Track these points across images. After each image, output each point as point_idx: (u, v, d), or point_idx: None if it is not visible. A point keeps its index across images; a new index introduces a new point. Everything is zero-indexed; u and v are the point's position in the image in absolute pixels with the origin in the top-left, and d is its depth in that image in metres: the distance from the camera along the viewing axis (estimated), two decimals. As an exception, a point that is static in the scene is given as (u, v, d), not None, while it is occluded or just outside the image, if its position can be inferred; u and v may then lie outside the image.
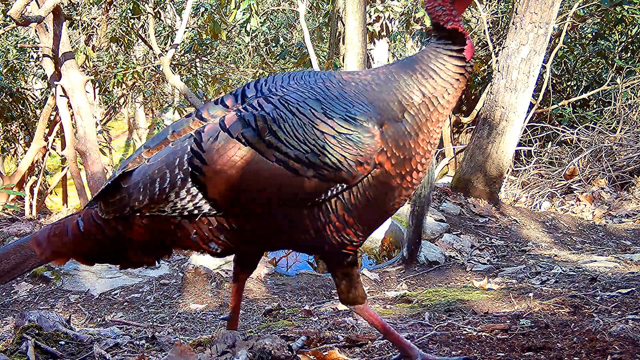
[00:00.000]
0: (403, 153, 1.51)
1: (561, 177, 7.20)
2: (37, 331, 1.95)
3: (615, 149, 7.26)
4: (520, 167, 7.63)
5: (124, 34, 9.53)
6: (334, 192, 1.48)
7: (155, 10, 9.31)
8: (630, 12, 8.02)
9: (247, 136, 1.48)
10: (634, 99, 7.83)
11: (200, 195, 1.52)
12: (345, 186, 1.48)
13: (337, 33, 9.06)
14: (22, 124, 10.05)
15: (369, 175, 1.49)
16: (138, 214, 1.58)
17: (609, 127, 7.74)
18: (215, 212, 1.54)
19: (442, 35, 1.57)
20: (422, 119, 1.54)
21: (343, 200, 1.50)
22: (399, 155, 1.51)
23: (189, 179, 1.52)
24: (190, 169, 1.52)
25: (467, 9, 9.43)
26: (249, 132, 1.48)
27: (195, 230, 1.57)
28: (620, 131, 7.50)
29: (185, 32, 9.57)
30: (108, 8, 9.56)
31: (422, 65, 1.55)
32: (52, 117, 8.94)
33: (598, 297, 2.38)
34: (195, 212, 1.54)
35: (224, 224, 1.55)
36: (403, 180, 1.54)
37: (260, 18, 8.77)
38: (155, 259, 1.71)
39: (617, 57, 8.78)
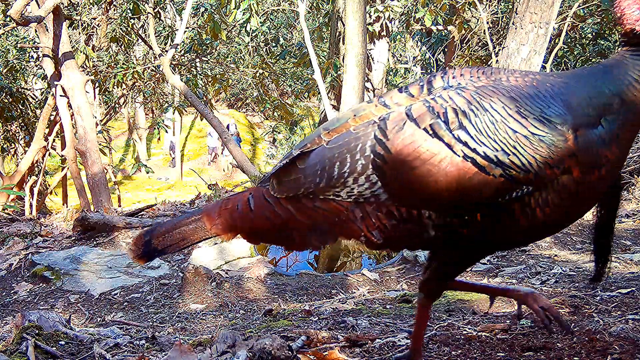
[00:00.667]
0: (594, 161, 1.45)
1: (561, 177, 7.19)
2: (37, 331, 1.95)
3: (615, 149, 7.25)
4: (520, 167, 7.62)
5: (124, 34, 9.53)
6: (519, 194, 1.45)
7: (155, 10, 9.32)
8: (630, 12, 8.00)
9: (436, 128, 1.45)
10: (634, 99, 7.83)
11: (379, 184, 1.50)
12: (530, 189, 1.44)
13: (337, 33, 9.06)
14: (22, 124, 10.06)
15: (556, 180, 1.44)
16: (311, 196, 1.56)
17: (609, 127, 7.73)
18: (391, 201, 1.51)
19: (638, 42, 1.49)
20: (619, 127, 1.47)
21: (524, 203, 1.45)
22: (589, 163, 1.45)
23: (370, 166, 1.50)
24: (372, 156, 1.50)
25: (467, 9, 9.44)
26: (438, 124, 1.45)
27: (365, 217, 1.54)
28: (620, 131, 7.50)
29: (185, 32, 9.58)
30: (108, 8, 9.57)
31: (621, 71, 1.49)
32: (52, 117, 8.94)
33: (598, 297, 2.38)
34: (372, 199, 1.52)
35: (395, 213, 1.52)
36: (589, 189, 1.48)
37: (260, 18, 8.77)
38: (321, 244, 1.65)
39: (617, 57, 8.77)
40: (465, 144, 1.43)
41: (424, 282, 1.63)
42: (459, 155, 1.43)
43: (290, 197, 1.58)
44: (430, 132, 1.45)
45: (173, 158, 21.35)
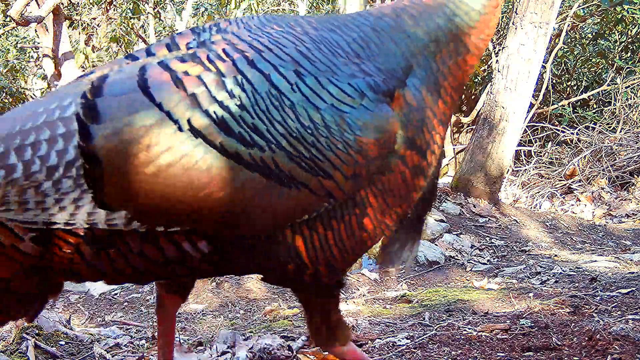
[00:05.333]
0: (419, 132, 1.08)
1: (561, 177, 7.20)
2: (37, 331, 1.95)
3: (615, 149, 7.26)
4: (520, 167, 7.63)
5: (124, 34, 9.53)
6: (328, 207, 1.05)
7: (155, 10, 9.32)
8: (630, 12, 8.01)
9: (190, 117, 0.98)
10: (634, 99, 7.84)
11: (90, 200, 0.99)
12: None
13: (337, 33, 9.07)
14: (22, 124, 10.08)
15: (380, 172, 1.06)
16: None
17: (609, 127, 7.74)
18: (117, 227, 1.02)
19: None
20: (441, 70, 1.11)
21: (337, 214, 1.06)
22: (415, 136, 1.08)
23: (77, 164, 0.98)
24: (78, 144, 0.98)
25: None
26: (195, 111, 0.98)
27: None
28: (620, 131, 7.51)
29: (185, 32, 9.58)
30: (108, 8, 9.57)
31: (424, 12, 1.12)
32: (52, 117, 8.95)
33: (598, 297, 2.38)
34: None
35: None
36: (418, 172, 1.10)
37: (260, 18, 8.78)
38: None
39: (617, 57, 8.78)
40: (244, 142, 0.98)
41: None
42: (242, 164, 0.98)
43: None
44: (177, 121, 0.97)
45: None
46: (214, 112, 0.98)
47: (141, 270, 1.06)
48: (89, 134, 0.97)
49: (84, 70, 8.51)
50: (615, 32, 8.84)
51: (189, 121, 0.97)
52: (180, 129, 0.97)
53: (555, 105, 8.46)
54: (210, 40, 1.06)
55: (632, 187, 6.65)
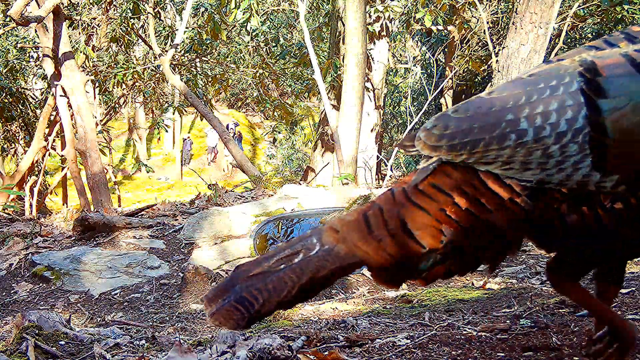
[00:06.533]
0: None
1: (561, 177, 7.20)
2: (37, 331, 1.95)
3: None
4: (520, 167, 7.63)
5: (124, 34, 9.54)
6: None
7: (155, 10, 9.32)
8: (630, 12, 8.02)
9: None
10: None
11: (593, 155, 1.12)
12: None
13: (337, 33, 9.06)
14: (22, 124, 10.07)
15: None
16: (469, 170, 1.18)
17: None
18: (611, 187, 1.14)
19: None
20: None
21: None
22: None
23: (584, 131, 1.12)
24: (586, 115, 1.12)
25: (467, 9, 9.45)
26: None
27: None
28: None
29: (185, 32, 9.58)
30: (108, 8, 9.57)
31: None
32: (52, 117, 8.94)
33: (598, 297, 2.38)
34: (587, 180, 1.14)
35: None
36: None
37: (260, 18, 8.78)
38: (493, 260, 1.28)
39: (617, 57, 8.78)
40: None
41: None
42: None
43: (425, 180, 1.19)
44: None
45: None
46: None
47: (604, 231, 1.19)
48: (597, 107, 1.12)
49: (83, 70, 8.51)
50: (615, 32, 8.85)
51: None
52: None
53: (555, 105, 8.45)
54: None
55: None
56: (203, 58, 10.84)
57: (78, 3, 9.70)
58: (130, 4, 9.01)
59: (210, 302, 1.17)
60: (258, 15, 8.25)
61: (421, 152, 1.18)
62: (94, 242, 4.93)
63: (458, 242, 1.19)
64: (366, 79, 8.47)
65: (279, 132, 21.85)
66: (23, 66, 10.41)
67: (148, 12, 9.14)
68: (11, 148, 10.51)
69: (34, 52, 10.03)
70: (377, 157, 9.71)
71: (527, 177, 1.15)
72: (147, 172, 14.46)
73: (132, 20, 9.55)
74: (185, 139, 21.35)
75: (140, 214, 5.99)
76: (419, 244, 1.18)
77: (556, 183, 1.15)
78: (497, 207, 1.17)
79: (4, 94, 9.29)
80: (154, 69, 10.27)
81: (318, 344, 1.88)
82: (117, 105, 12.23)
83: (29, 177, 9.02)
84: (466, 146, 1.15)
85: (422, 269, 1.22)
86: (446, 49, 10.61)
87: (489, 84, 6.86)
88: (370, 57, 8.92)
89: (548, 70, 1.21)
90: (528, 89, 1.18)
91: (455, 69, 9.77)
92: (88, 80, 8.31)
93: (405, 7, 9.45)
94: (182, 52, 10.61)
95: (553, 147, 1.12)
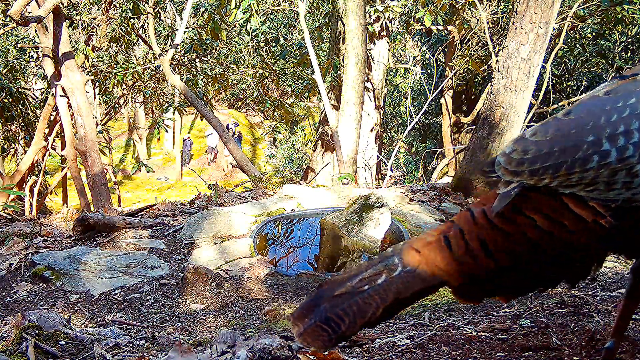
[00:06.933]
0: None
1: (561, 177, 7.20)
2: (37, 331, 1.95)
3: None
4: (520, 167, 7.63)
5: (124, 34, 9.54)
6: None
7: (155, 10, 9.32)
8: (630, 12, 8.02)
9: None
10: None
11: None
12: None
13: (337, 33, 9.06)
14: (22, 124, 10.07)
15: None
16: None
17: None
18: None
19: None
20: None
21: None
22: None
23: None
24: None
25: (467, 9, 9.45)
26: None
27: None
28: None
29: (185, 32, 9.58)
30: (108, 8, 9.57)
31: None
32: (52, 117, 8.95)
33: (598, 297, 2.38)
34: None
35: None
36: None
37: (260, 18, 8.78)
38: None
39: (617, 57, 8.79)
40: None
41: None
42: None
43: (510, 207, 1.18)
44: None
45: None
46: None
47: None
48: None
49: (83, 70, 8.51)
50: (615, 32, 8.85)
51: None
52: None
53: (555, 105, 8.46)
54: None
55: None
56: (203, 58, 10.84)
57: (78, 3, 9.70)
58: (130, 4, 9.01)
59: (297, 320, 1.19)
60: (258, 15, 8.25)
61: (502, 177, 1.19)
62: (94, 242, 4.93)
63: (538, 263, 1.22)
64: (366, 79, 8.47)
65: (279, 132, 21.86)
66: (23, 66, 10.42)
67: (148, 12, 9.14)
68: (11, 148, 10.51)
69: (34, 52, 10.03)
70: (377, 157, 9.71)
71: (611, 197, 1.14)
72: (147, 172, 14.46)
73: (132, 20, 9.55)
74: (185, 139, 21.40)
75: (140, 214, 5.99)
76: (500, 265, 1.20)
77: None
78: (579, 227, 1.17)
79: (4, 94, 9.29)
80: (154, 69, 10.27)
81: (318, 344, 1.87)
82: (117, 105, 12.24)
83: (29, 177, 9.02)
84: (548, 170, 1.14)
85: (503, 287, 1.24)
86: (446, 49, 10.61)
87: (489, 84, 6.86)
88: (370, 57, 8.92)
89: (624, 87, 1.20)
90: (607, 108, 1.17)
91: (455, 69, 9.78)
92: (88, 80, 8.31)
93: (405, 7, 9.46)
94: (182, 52, 10.62)
95: (638, 167, 1.11)
